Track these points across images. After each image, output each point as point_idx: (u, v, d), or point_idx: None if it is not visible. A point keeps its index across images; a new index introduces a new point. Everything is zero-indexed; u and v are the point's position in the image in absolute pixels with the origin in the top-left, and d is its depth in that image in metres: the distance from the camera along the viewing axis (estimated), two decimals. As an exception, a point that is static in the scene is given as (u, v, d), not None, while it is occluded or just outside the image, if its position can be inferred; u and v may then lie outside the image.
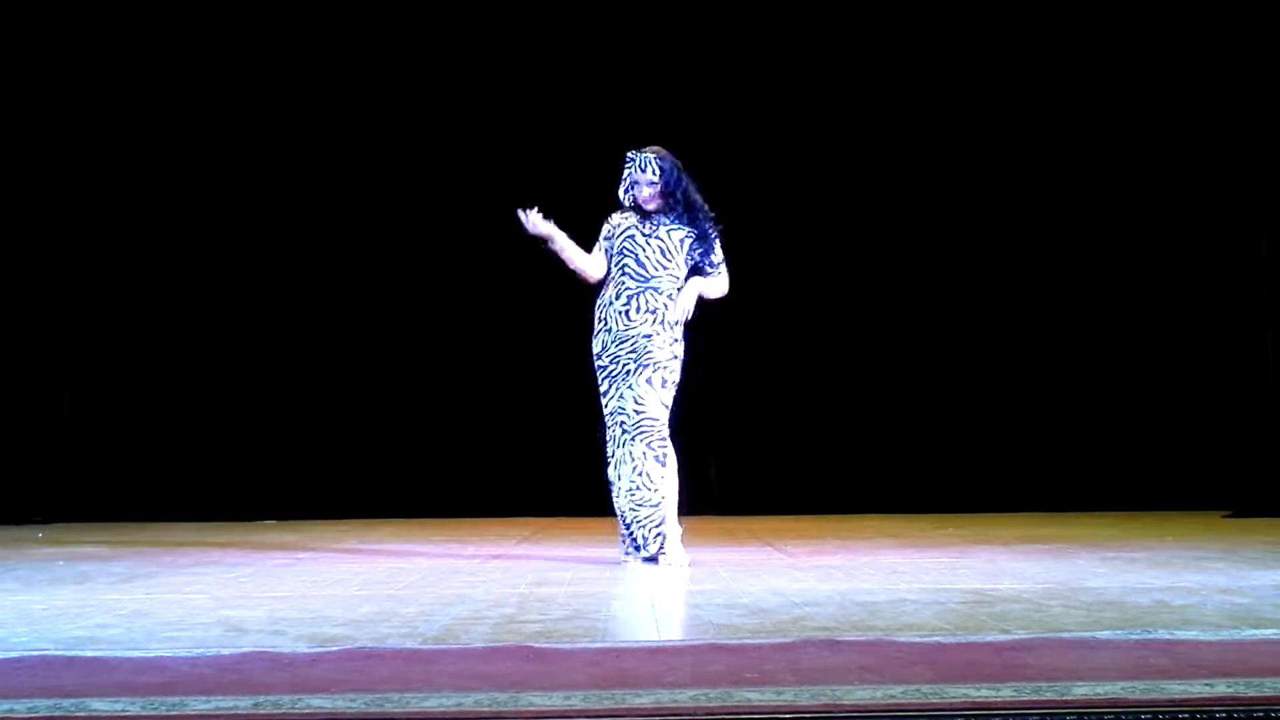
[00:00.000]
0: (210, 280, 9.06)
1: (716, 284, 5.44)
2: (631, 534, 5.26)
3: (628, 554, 5.28)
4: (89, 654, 2.91)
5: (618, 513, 5.32)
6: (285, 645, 3.02)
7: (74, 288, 8.99)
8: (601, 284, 5.41)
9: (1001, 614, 3.49)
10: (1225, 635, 3.00)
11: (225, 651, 2.91)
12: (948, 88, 9.00)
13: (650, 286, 5.27)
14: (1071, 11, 8.93)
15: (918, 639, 3.03)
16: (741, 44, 9.06)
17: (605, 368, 5.32)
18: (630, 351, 5.25)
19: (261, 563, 5.42)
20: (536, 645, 2.96)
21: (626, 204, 5.41)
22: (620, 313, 5.28)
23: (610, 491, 5.36)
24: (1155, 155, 8.91)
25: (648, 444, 5.19)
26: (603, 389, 5.33)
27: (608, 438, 5.34)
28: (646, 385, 5.22)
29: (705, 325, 9.23)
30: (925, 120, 9.00)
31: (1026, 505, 8.54)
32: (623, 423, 5.24)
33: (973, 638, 3.08)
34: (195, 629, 3.33)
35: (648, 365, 5.23)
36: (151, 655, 2.89)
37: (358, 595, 4.14)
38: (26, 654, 2.92)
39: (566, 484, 8.91)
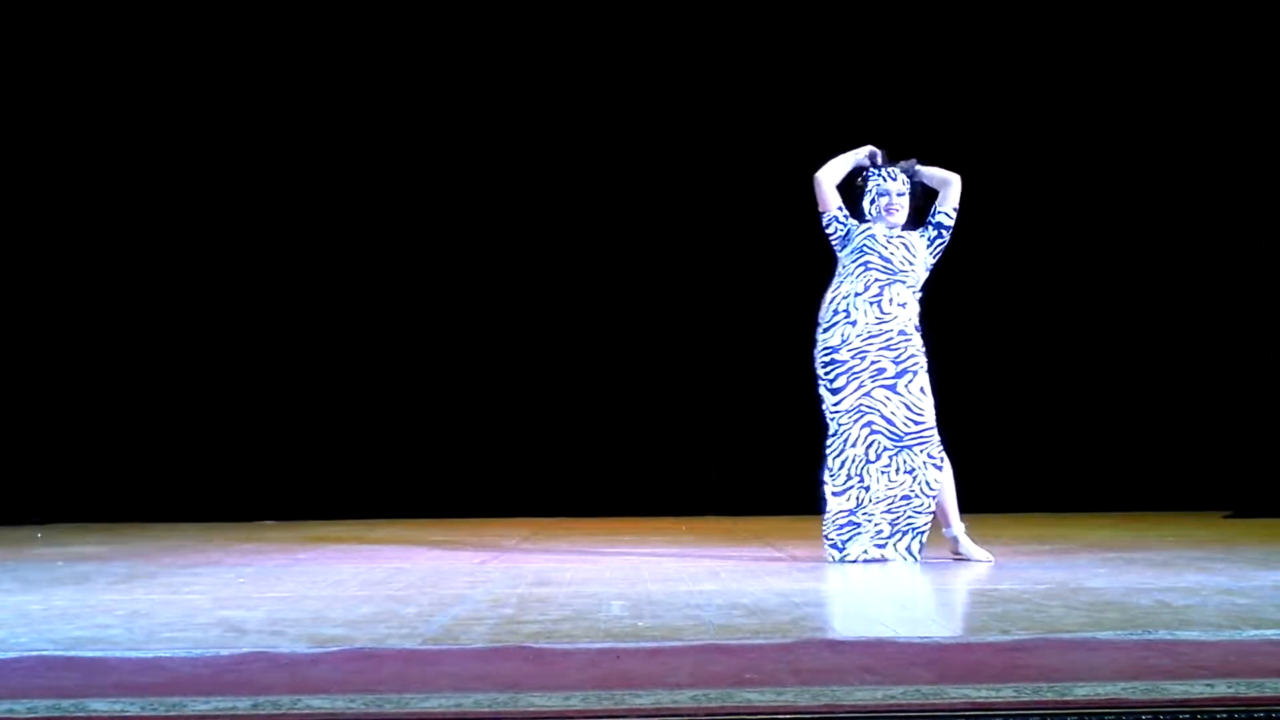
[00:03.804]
0: (210, 280, 9.05)
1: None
2: (892, 534, 5.11)
3: (847, 557, 5.12)
4: (88, 654, 2.90)
5: (838, 515, 5.14)
6: (285, 646, 3.01)
7: (73, 288, 8.98)
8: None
9: (1002, 614, 3.48)
10: (1226, 636, 3.00)
11: (224, 652, 2.91)
12: (953, 89, 8.96)
13: (898, 280, 5.18)
14: (1078, 14, 8.92)
15: (918, 639, 3.02)
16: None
17: (845, 363, 5.14)
18: (885, 349, 5.12)
19: (261, 563, 5.41)
20: (536, 645, 2.95)
21: (870, 215, 5.31)
22: (871, 304, 5.15)
23: (824, 491, 5.20)
24: (1154, 154, 8.91)
25: (928, 453, 5.10)
26: (837, 385, 5.15)
27: (843, 436, 5.14)
28: (920, 393, 5.12)
29: (705, 326, 9.23)
30: (927, 120, 8.99)
31: (1026, 505, 8.53)
32: (887, 430, 5.09)
33: (973, 638, 3.08)
34: (194, 629, 3.33)
35: (917, 371, 5.13)
36: (151, 656, 2.89)
37: (357, 596, 4.13)
38: (26, 654, 2.92)
39: (566, 484, 8.93)
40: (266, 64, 9.01)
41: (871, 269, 5.20)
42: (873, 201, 5.33)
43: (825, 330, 5.24)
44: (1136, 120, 8.93)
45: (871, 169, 5.37)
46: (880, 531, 5.14)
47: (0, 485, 8.60)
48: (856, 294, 5.19)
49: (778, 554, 5.64)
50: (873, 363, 5.14)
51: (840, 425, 5.18)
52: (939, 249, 5.33)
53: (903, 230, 5.30)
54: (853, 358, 5.16)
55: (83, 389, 8.98)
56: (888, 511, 5.13)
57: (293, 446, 8.96)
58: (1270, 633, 3.04)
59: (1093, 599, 3.75)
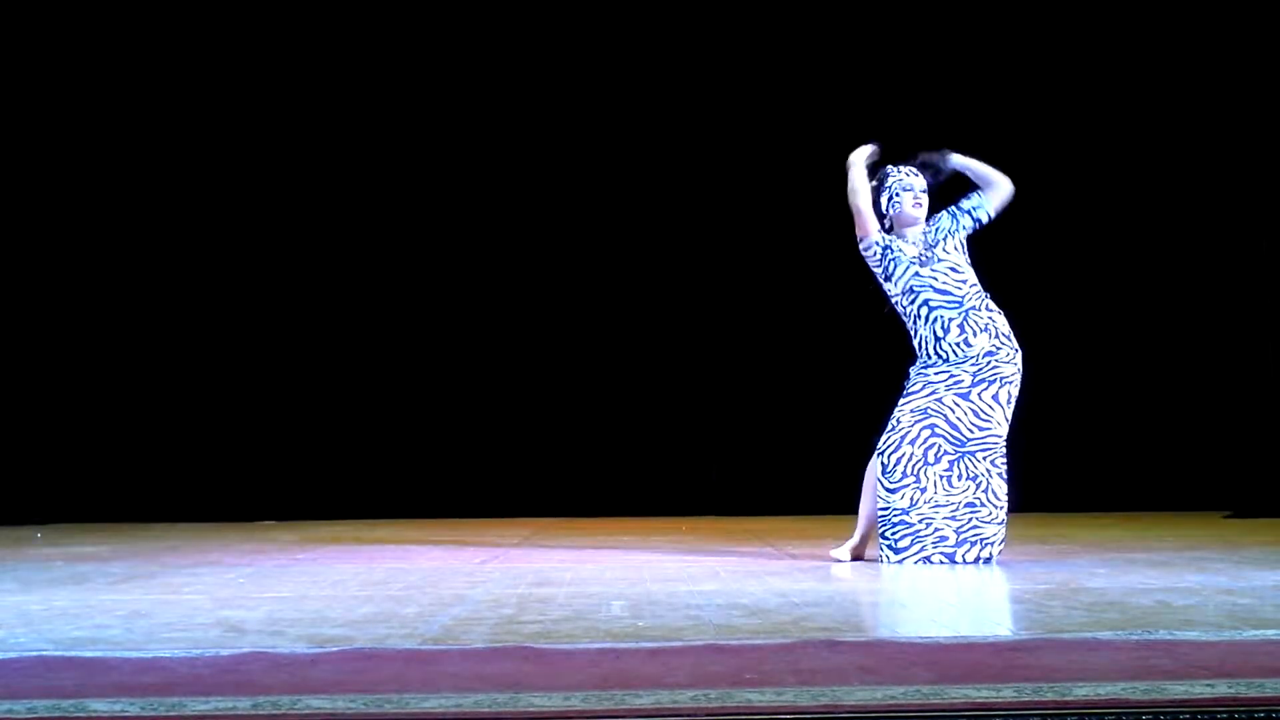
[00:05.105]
0: (211, 280, 9.05)
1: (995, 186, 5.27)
2: (959, 543, 5.01)
3: (905, 558, 5.02)
4: (88, 654, 2.90)
5: (890, 512, 5.05)
6: (284, 646, 3.01)
7: (74, 288, 8.98)
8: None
9: (1002, 614, 3.48)
10: (1226, 636, 3.00)
11: (224, 652, 2.91)
12: (963, 95, 8.93)
13: (969, 306, 5.13)
14: (1077, 15, 8.91)
15: (918, 639, 3.02)
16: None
17: (926, 375, 5.12)
18: (970, 367, 5.08)
19: (261, 563, 5.41)
20: (536, 645, 2.95)
21: (889, 214, 5.25)
22: (957, 342, 5.09)
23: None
24: (1152, 154, 8.91)
25: (992, 461, 5.05)
26: (913, 389, 5.12)
27: (900, 432, 5.07)
28: (993, 401, 5.05)
29: (705, 327, 9.22)
30: (939, 124, 8.99)
31: (1026, 505, 8.50)
32: (949, 434, 5.03)
33: (973, 638, 3.08)
34: (194, 629, 3.33)
35: (994, 380, 5.05)
36: (150, 656, 2.89)
37: (357, 596, 4.13)
38: (25, 655, 2.92)
39: (566, 484, 8.93)
40: (267, 64, 9.01)
41: (936, 308, 5.14)
42: (891, 199, 5.24)
43: (924, 367, 5.19)
44: (1133, 122, 8.93)
45: (890, 166, 5.26)
46: (944, 539, 5.03)
47: (0, 485, 8.60)
48: (939, 338, 5.12)
49: (778, 554, 5.64)
50: (950, 375, 5.09)
51: (899, 421, 5.11)
52: (966, 233, 5.27)
53: (928, 231, 5.22)
54: (937, 374, 5.11)
55: (83, 389, 8.98)
56: (950, 519, 5.03)
57: (293, 446, 8.96)
58: (1270, 633, 3.04)
59: (1093, 599, 3.75)
